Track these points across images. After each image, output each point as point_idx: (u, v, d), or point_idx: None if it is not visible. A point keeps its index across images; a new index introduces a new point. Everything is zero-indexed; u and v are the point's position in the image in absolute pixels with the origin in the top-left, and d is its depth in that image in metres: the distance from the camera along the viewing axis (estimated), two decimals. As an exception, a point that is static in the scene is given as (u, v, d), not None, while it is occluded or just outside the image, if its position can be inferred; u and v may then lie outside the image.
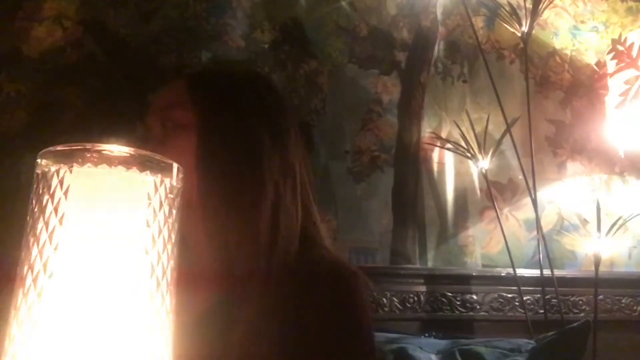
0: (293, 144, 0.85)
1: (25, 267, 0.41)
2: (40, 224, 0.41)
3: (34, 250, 0.40)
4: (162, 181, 0.44)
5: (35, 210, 0.42)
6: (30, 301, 0.40)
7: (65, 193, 0.41)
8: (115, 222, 0.41)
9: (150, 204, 0.43)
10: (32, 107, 1.63)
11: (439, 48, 1.97)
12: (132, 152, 0.43)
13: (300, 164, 0.86)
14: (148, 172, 0.43)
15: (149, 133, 0.84)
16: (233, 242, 0.76)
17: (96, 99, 1.67)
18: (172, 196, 0.44)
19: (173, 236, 0.44)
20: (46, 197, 0.41)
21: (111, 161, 0.42)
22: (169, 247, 0.44)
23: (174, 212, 0.45)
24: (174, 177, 0.45)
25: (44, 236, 0.40)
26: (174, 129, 0.81)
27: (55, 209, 0.41)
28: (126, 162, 0.42)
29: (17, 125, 1.61)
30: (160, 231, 0.43)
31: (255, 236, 0.77)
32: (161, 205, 0.43)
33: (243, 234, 0.77)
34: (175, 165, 0.45)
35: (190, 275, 0.64)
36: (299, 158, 0.86)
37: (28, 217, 0.42)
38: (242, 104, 0.84)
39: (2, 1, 1.67)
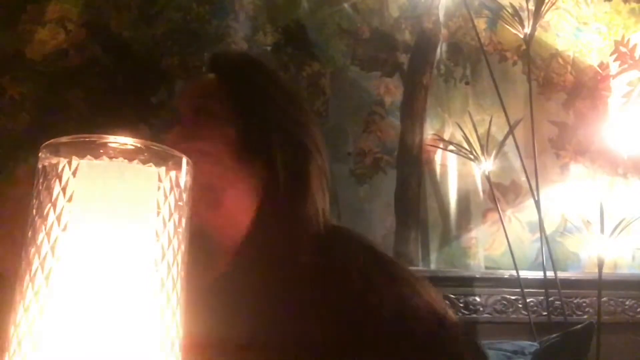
0: (321, 140, 0.88)
1: (31, 254, 0.40)
2: (43, 225, 0.40)
3: (40, 236, 0.40)
4: (168, 173, 0.43)
5: (40, 203, 0.40)
6: (38, 285, 0.39)
7: (64, 189, 0.40)
8: (122, 216, 0.41)
9: (158, 196, 0.42)
10: (35, 109, 1.64)
11: (441, 50, 1.97)
12: (139, 145, 0.42)
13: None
14: (154, 164, 0.42)
15: (178, 116, 0.85)
16: (274, 235, 0.77)
17: (99, 101, 1.68)
18: (181, 188, 0.44)
19: (182, 230, 0.44)
20: (49, 190, 0.40)
21: (117, 153, 0.41)
22: (179, 256, 0.43)
23: (184, 205, 0.44)
24: (183, 170, 0.44)
25: (47, 231, 0.39)
26: (207, 119, 0.83)
27: (54, 205, 0.40)
28: (133, 154, 0.41)
29: (20, 128, 1.62)
30: (169, 225, 0.42)
31: (297, 229, 0.78)
32: (166, 198, 0.42)
33: (284, 227, 0.78)
34: (184, 159, 0.44)
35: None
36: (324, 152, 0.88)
37: (31, 214, 0.41)
38: (282, 102, 0.86)
39: (6, 4, 1.68)
